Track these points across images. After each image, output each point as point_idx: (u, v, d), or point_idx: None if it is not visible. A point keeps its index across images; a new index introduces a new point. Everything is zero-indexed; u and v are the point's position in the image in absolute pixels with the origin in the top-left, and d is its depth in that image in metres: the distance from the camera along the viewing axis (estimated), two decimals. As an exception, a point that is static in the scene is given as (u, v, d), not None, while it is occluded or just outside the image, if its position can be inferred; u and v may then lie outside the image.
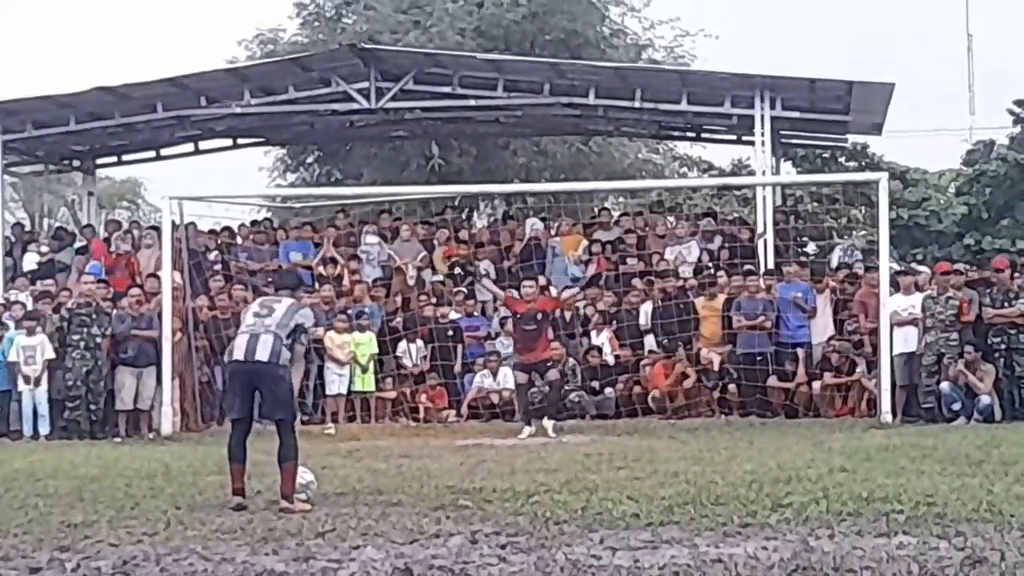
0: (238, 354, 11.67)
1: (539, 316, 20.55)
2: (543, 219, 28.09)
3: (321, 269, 26.37)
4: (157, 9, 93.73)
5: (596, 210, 31.09)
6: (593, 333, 24.54)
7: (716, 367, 23.46)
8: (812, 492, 11.22)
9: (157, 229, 25.68)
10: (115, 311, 22.50)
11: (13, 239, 29.57)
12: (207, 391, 23.11)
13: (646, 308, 24.55)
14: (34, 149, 31.75)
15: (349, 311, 24.27)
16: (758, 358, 23.06)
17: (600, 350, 24.11)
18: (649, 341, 24.28)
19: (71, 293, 23.77)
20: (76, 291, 23.59)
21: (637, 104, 27.57)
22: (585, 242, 26.62)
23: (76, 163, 34.21)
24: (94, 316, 22.11)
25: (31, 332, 22.21)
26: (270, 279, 25.33)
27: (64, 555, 8.71)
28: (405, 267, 26.46)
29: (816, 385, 22.75)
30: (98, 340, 21.95)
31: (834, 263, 26.30)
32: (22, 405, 22.27)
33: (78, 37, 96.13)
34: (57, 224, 49.03)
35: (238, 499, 11.24)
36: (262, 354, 11.49)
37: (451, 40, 34.32)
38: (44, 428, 22.09)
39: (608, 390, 23.65)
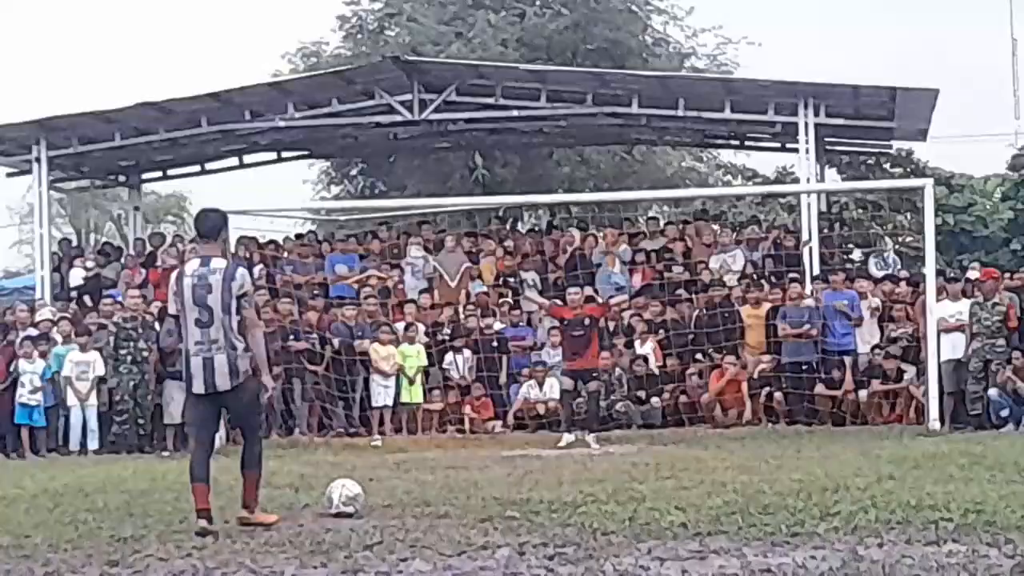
0: (197, 386, 10.78)
1: (586, 322, 20.56)
2: (583, 228, 28.03)
3: (365, 281, 26.43)
4: (201, 25, 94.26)
5: (642, 219, 31.05)
6: (638, 342, 24.49)
7: (757, 375, 23.41)
8: (860, 501, 11.16)
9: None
10: (164, 325, 22.60)
11: (60, 255, 29.73)
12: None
13: (692, 317, 24.50)
14: (80, 165, 31.91)
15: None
16: (804, 366, 22.96)
17: (646, 359, 24.07)
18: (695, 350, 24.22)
19: (119, 307, 23.82)
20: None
21: (680, 112, 27.51)
22: (625, 246, 26.56)
23: (122, 178, 34.40)
24: (141, 330, 22.22)
25: (84, 348, 22.32)
26: (316, 292, 25.52)
27: (114, 570, 8.74)
28: (450, 278, 26.48)
29: (863, 393, 22.64)
30: (145, 354, 22.05)
31: (872, 271, 26.17)
32: (70, 420, 22.38)
33: (122, 53, 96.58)
34: (104, 239, 49.30)
35: (203, 523, 10.42)
36: (221, 382, 10.71)
37: (494, 51, 34.38)
38: (92, 443, 22.20)
39: (654, 400, 23.59)
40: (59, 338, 23.02)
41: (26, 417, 22.14)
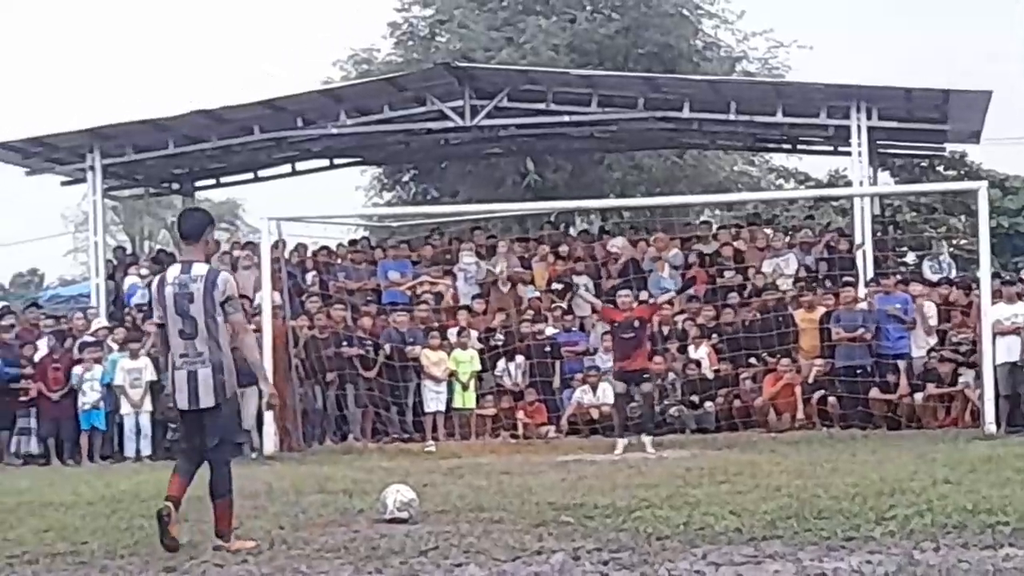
0: (181, 401, 10.23)
1: (636, 324, 20.52)
2: (635, 232, 28.00)
3: (418, 287, 26.51)
4: (253, 32, 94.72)
5: (694, 223, 30.98)
6: (692, 347, 24.44)
7: (811, 379, 23.33)
8: (916, 505, 11.10)
9: (254, 246, 25.85)
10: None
11: (115, 262, 29.91)
12: (307, 411, 23.26)
13: (745, 321, 24.45)
14: (134, 173, 32.08)
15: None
16: (858, 370, 22.87)
17: (699, 364, 24.02)
18: (748, 354, 24.16)
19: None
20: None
21: (732, 116, 27.45)
22: (676, 251, 26.51)
23: (175, 186, 34.57)
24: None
25: (135, 355, 22.46)
26: (369, 298, 25.58)
27: (170, 576, 8.79)
28: (502, 284, 26.50)
29: (918, 396, 22.53)
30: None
31: (927, 275, 26.03)
32: (124, 427, 22.52)
33: (175, 61, 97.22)
34: (158, 247, 49.56)
35: (168, 505, 9.99)
36: (206, 399, 10.14)
37: (544, 56, 34.39)
38: (146, 449, 22.34)
39: (708, 404, 23.54)
40: (114, 345, 23.18)
41: (90, 423, 22.34)
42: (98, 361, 22.61)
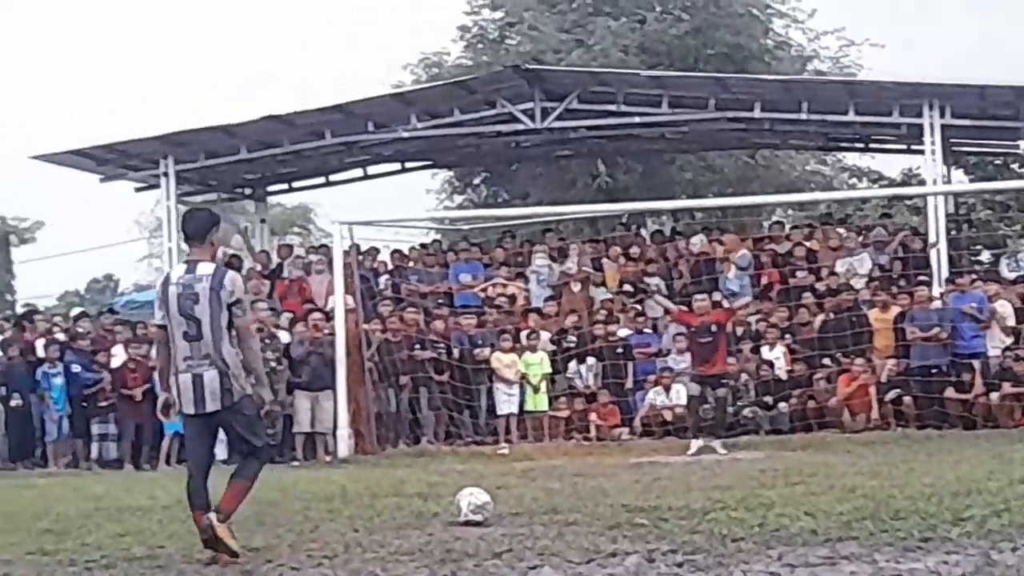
0: (186, 406, 9.89)
1: (713, 328, 20.50)
2: (707, 233, 27.93)
3: (489, 290, 26.57)
4: (323, 37, 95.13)
5: (767, 223, 30.86)
6: (765, 348, 24.35)
7: (885, 378, 23.20)
8: (993, 504, 11.01)
9: (327, 250, 25.97)
10: (294, 336, 22.84)
11: (188, 267, 30.05)
12: (380, 414, 23.36)
13: (818, 322, 24.35)
14: (206, 178, 32.31)
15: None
16: (933, 370, 22.73)
17: (772, 365, 23.93)
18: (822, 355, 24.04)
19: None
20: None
21: (804, 116, 27.33)
22: (744, 251, 26.40)
23: (247, 191, 34.77)
24: (268, 341, 22.44)
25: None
26: (441, 301, 25.65)
27: (247, 579, 8.83)
28: (574, 285, 26.51)
29: (994, 396, 22.35)
30: (273, 364, 22.25)
31: (1004, 274, 25.81)
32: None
33: (244, 68, 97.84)
34: (230, 252, 49.84)
35: (212, 552, 9.68)
36: (212, 403, 9.79)
37: (614, 58, 34.33)
38: (221, 453, 22.40)
39: (781, 405, 23.44)
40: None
41: (173, 427, 22.51)
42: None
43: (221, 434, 10.32)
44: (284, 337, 23.02)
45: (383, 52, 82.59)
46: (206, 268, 9.89)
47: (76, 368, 22.83)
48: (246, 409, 9.97)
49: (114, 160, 29.98)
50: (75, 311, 29.89)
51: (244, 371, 9.97)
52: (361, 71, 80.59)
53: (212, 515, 9.60)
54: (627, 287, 26.62)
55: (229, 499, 9.77)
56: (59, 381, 22.62)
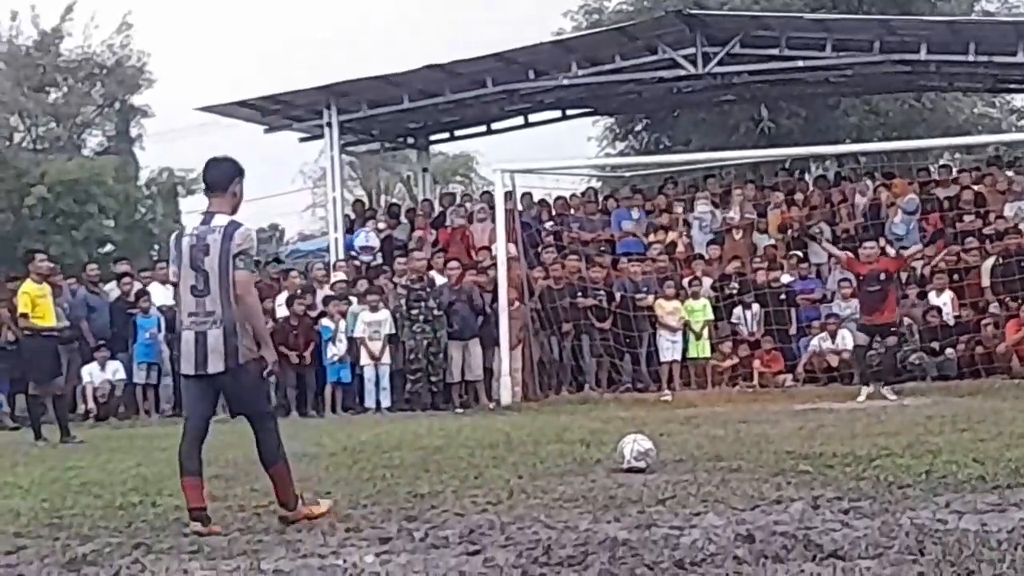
0: (186, 366, 9.24)
1: (882, 277, 20.28)
2: (873, 178, 27.56)
3: (652, 236, 26.48)
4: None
5: (933, 168, 30.38)
6: (932, 293, 24.00)
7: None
8: None
9: (490, 198, 26.06)
10: (444, 285, 23.03)
11: (353, 216, 30.38)
12: (543, 361, 23.45)
13: (986, 266, 23.93)
14: (369, 128, 32.55)
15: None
16: (1107, 315, 22.29)
17: (939, 310, 23.58)
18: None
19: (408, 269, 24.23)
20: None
21: (971, 58, 26.74)
22: (912, 196, 25.97)
23: (410, 140, 34.99)
24: (429, 290, 22.61)
25: (374, 308, 22.81)
26: (602, 248, 25.64)
27: (412, 525, 8.82)
28: (736, 232, 26.34)
29: None
30: (436, 313, 22.40)
31: None
32: (364, 379, 22.91)
33: (406, 18, 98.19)
34: (392, 201, 50.22)
35: (197, 525, 8.95)
36: (214, 363, 9.10)
37: (777, 1, 33.97)
38: (386, 401, 22.71)
39: (949, 351, 23.11)
40: (354, 299, 23.57)
41: (337, 375, 22.79)
42: (342, 314, 23.01)
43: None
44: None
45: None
46: (221, 220, 9.26)
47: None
48: (252, 373, 9.32)
49: (278, 111, 30.31)
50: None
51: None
52: (522, 17, 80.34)
53: (282, 512, 9.22)
54: (791, 233, 26.37)
55: (282, 491, 9.31)
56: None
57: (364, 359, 22.79)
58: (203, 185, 9.69)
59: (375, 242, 28.17)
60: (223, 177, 9.46)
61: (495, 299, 22.58)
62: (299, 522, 9.10)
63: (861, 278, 20.62)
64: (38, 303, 17.85)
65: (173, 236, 9.51)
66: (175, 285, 9.44)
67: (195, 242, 9.17)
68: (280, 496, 9.28)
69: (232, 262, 9.07)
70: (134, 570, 7.60)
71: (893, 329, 20.68)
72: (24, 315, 18.14)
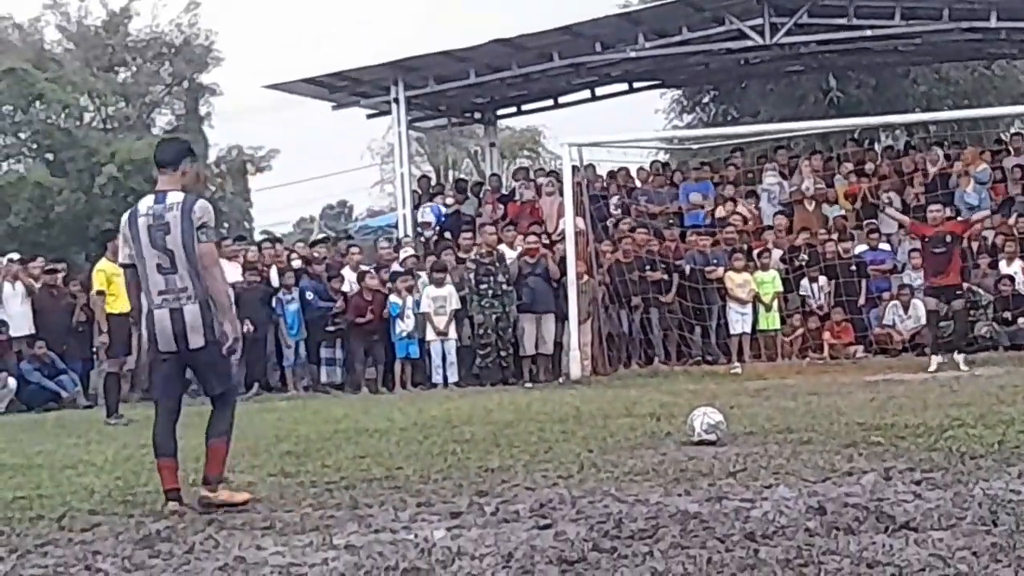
0: (164, 344, 9.24)
1: (947, 239, 20.16)
2: (942, 147, 27.32)
3: (720, 209, 26.38)
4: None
5: (1005, 135, 30.08)
6: (1003, 262, 23.80)
7: None
8: None
9: (557, 173, 26.05)
10: (514, 259, 23.02)
11: (420, 192, 30.44)
12: (612, 335, 23.44)
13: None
14: (436, 103, 32.59)
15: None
16: None
17: (1011, 279, 23.39)
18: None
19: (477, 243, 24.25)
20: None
21: (1042, 24, 26.53)
22: (985, 165, 25.74)
23: (477, 115, 35.01)
24: (498, 264, 22.62)
25: (440, 283, 22.84)
26: (671, 221, 25.58)
27: (482, 499, 8.86)
28: (806, 203, 26.21)
29: None
30: (505, 288, 22.42)
31: None
32: (431, 354, 22.96)
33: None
34: (460, 176, 50.28)
35: (174, 504, 9.06)
36: (195, 339, 9.17)
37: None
38: (453, 375, 22.76)
39: (1021, 320, 22.92)
40: (422, 274, 23.62)
41: (405, 351, 22.86)
42: (410, 290, 23.06)
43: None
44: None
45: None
46: (176, 197, 9.30)
47: (310, 295, 23.18)
48: (219, 348, 9.33)
49: (346, 88, 30.41)
50: (314, 236, 30.40)
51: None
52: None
53: (202, 490, 9.11)
54: (860, 203, 26.19)
55: (213, 466, 9.20)
56: (294, 308, 23.03)
57: (430, 334, 22.84)
58: (155, 162, 9.66)
59: (430, 217, 28.28)
60: (174, 155, 9.57)
61: (563, 273, 22.57)
62: (216, 506, 8.96)
63: (926, 240, 20.49)
64: (113, 280, 17.96)
65: (125, 216, 9.52)
66: (128, 266, 9.48)
67: (152, 221, 9.22)
68: (208, 471, 9.17)
69: (195, 235, 9.14)
70: (207, 546, 7.68)
71: (959, 292, 20.51)
72: (100, 293, 18.27)
